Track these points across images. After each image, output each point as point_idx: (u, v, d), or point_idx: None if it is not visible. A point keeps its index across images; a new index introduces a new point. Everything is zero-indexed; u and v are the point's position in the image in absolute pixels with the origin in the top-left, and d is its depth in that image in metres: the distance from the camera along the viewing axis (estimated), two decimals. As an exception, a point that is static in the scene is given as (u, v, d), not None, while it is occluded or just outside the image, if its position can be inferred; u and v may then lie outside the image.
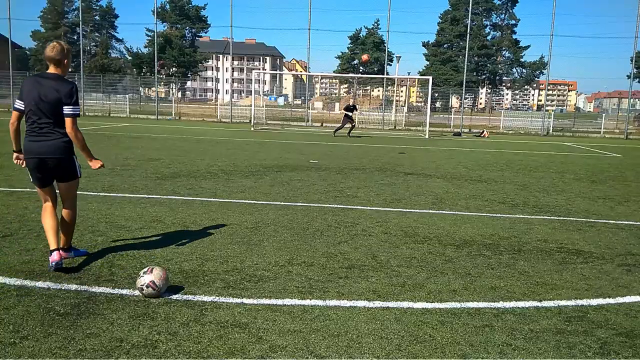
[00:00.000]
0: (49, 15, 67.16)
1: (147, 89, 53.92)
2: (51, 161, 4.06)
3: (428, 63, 69.86)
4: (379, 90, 75.50)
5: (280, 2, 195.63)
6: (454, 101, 61.51)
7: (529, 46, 69.31)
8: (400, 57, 48.18)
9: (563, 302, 3.87)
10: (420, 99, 74.18)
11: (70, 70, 4.58)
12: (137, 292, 3.68)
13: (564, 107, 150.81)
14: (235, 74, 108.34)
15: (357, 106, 23.54)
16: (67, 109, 3.99)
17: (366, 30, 68.72)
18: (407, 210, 6.98)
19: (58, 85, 4.00)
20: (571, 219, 6.81)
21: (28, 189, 7.15)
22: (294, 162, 11.71)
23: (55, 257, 3.97)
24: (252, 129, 24.05)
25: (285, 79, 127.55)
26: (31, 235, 5.00)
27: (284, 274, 4.24)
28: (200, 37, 73.09)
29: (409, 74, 57.74)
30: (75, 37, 65.41)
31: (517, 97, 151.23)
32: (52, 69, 4.07)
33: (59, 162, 4.09)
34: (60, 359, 2.78)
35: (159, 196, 7.19)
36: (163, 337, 3.06)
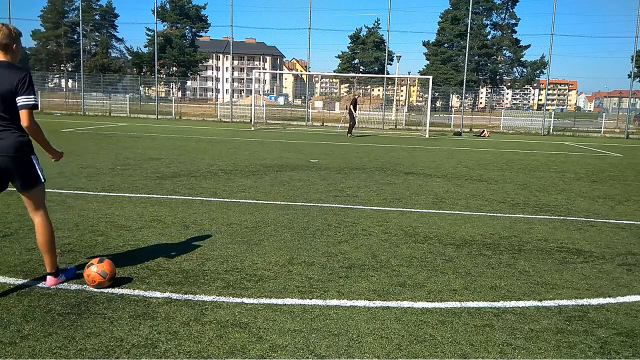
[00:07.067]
0: (49, 15, 67.20)
1: (147, 88, 53.95)
2: (3, 161, 3.45)
3: (428, 62, 69.92)
4: (379, 90, 75.45)
5: (280, 2, 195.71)
6: (455, 101, 61.57)
7: (529, 45, 69.46)
8: (400, 56, 48.19)
9: (563, 302, 3.87)
10: (421, 99, 74.20)
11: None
12: (137, 292, 3.68)
13: (565, 107, 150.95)
14: (236, 73, 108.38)
15: (357, 99, 22.68)
16: (22, 100, 3.40)
17: (366, 29, 68.81)
18: (408, 209, 6.97)
19: (9, 73, 3.42)
20: (571, 218, 6.81)
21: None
22: (294, 161, 11.71)
23: (48, 282, 3.78)
24: (252, 128, 24.05)
25: (285, 79, 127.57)
26: (31, 234, 4.98)
27: (284, 273, 4.23)
28: (200, 36, 73.17)
29: (409, 73, 57.83)
30: (75, 37, 65.59)
31: (518, 96, 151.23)
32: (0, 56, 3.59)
33: (15, 163, 3.47)
34: (60, 359, 2.78)
35: (159, 196, 7.19)
36: (163, 337, 3.06)
